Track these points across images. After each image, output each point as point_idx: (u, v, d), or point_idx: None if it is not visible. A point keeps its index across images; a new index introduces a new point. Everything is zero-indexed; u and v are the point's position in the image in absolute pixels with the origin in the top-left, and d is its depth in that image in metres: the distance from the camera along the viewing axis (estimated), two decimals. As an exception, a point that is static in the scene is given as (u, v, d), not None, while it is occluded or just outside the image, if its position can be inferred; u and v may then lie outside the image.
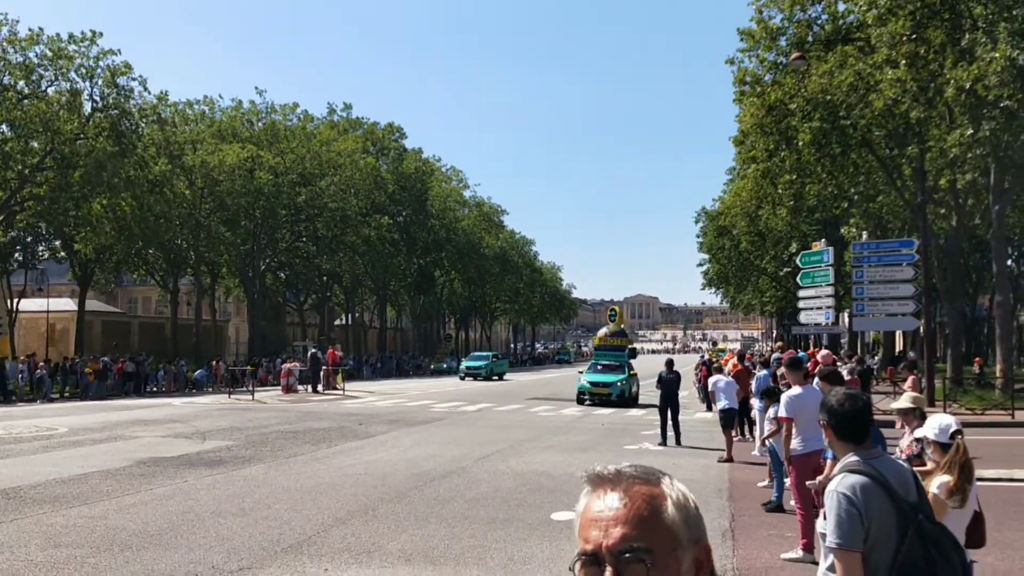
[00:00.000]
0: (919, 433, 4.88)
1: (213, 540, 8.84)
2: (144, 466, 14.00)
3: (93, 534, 9.04)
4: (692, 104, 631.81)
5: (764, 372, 16.29)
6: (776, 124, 29.96)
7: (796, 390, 8.91)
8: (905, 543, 3.14)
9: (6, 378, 33.32)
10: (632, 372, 32.49)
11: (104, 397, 34.56)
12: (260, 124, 61.58)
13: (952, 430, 4.72)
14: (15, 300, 51.91)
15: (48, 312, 51.03)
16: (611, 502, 1.30)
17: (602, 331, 36.30)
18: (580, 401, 30.51)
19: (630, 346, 34.56)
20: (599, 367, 32.56)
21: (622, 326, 36.24)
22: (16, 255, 49.31)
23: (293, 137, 60.74)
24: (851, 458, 3.41)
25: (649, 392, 30.52)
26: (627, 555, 1.25)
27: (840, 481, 3.30)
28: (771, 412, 10.68)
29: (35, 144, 39.95)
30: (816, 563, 3.50)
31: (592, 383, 30.94)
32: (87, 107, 41.83)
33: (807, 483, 6.71)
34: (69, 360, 39.38)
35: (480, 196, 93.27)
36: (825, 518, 3.32)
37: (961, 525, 4.17)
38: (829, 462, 6.27)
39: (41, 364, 36.38)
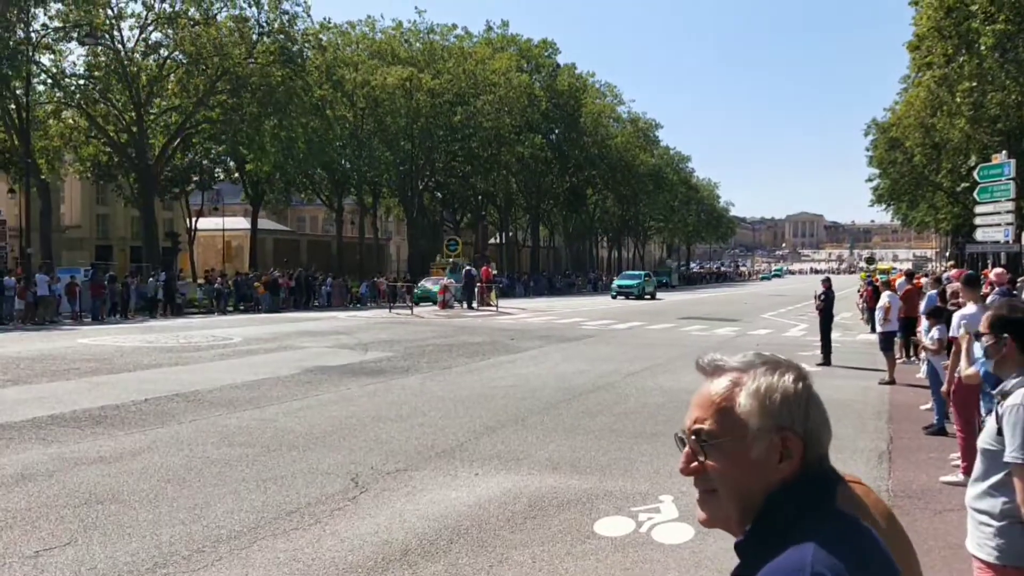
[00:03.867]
0: None
1: (372, 443, 9.32)
2: (310, 374, 14.85)
3: (264, 435, 9.72)
4: (863, 8, 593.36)
5: (932, 292, 15.46)
6: (955, 27, 27.69)
7: (970, 308, 8.36)
8: None
9: (174, 292, 35.55)
10: None
11: (275, 310, 36.66)
12: (419, 45, 62.29)
13: None
14: (194, 219, 55.53)
15: (223, 230, 54.32)
16: (702, 388, 1.45)
17: None
18: None
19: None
20: None
21: None
22: (194, 177, 52.45)
23: (450, 56, 61.18)
24: None
25: (791, 318, 29.42)
26: (694, 436, 1.41)
27: None
28: (934, 332, 10.15)
29: (207, 69, 41.98)
30: None
31: None
32: (254, 35, 43.48)
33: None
34: (242, 275, 41.85)
35: (635, 112, 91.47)
36: (1000, 433, 3.14)
37: None
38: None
39: (218, 279, 38.87)
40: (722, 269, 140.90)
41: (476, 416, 11.02)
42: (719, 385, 1.42)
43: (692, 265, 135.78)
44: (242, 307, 38.01)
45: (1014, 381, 3.22)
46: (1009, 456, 3.07)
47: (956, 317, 8.57)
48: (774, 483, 1.36)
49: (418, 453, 8.87)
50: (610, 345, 21.49)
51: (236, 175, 54.87)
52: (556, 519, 6.62)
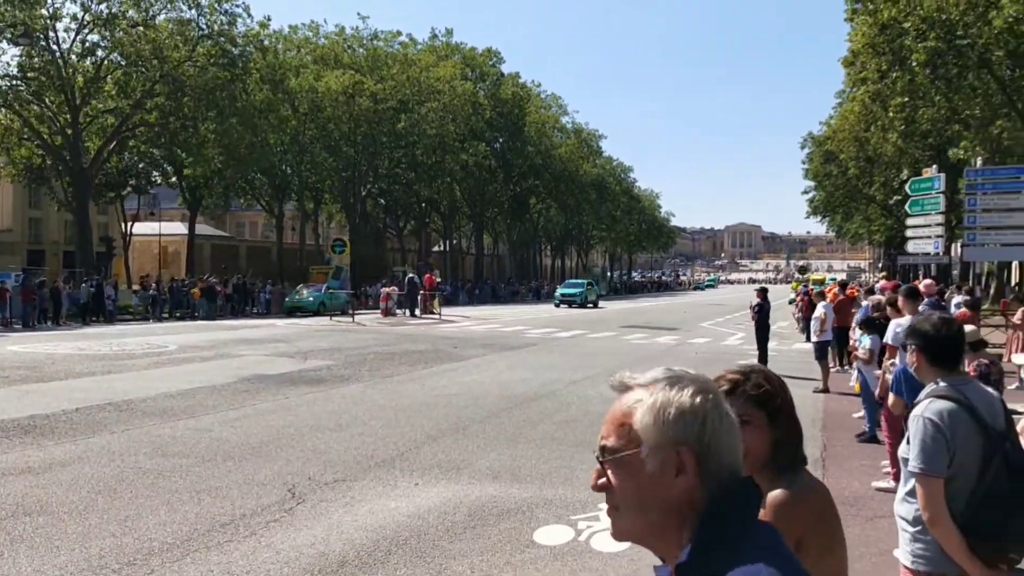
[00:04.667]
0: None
1: (310, 453, 9.21)
2: (248, 383, 14.63)
3: (198, 445, 9.54)
4: (800, 24, 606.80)
5: (867, 303, 15.83)
6: (889, 44, 28.43)
7: (907, 319, 8.57)
8: (990, 471, 3.06)
9: (104, 299, 34.65)
10: None
11: (212, 318, 36.05)
12: (362, 51, 61.97)
13: None
14: (129, 224, 54.36)
15: (160, 236, 53.25)
16: (612, 406, 1.45)
17: None
18: None
19: None
20: None
21: None
22: (130, 181, 51.34)
23: (394, 63, 61.01)
24: (939, 384, 3.31)
25: (730, 327, 30.11)
26: (601, 452, 1.41)
27: (927, 406, 3.21)
28: (866, 342, 10.40)
29: (146, 71, 41.20)
30: None
31: None
32: (194, 36, 42.78)
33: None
34: (179, 281, 41.08)
35: (579, 122, 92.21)
36: (909, 443, 3.24)
37: None
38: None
39: (153, 285, 38.10)
40: (663, 278, 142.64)
41: (417, 425, 10.96)
42: (625, 402, 1.42)
43: (634, 274, 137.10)
44: (178, 314, 37.31)
45: (924, 392, 3.33)
46: (910, 466, 3.18)
47: (892, 325, 8.80)
48: (674, 498, 1.36)
49: (357, 463, 8.79)
50: (553, 353, 21.57)
51: (173, 179, 53.87)
52: (496, 528, 6.62)
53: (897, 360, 8.29)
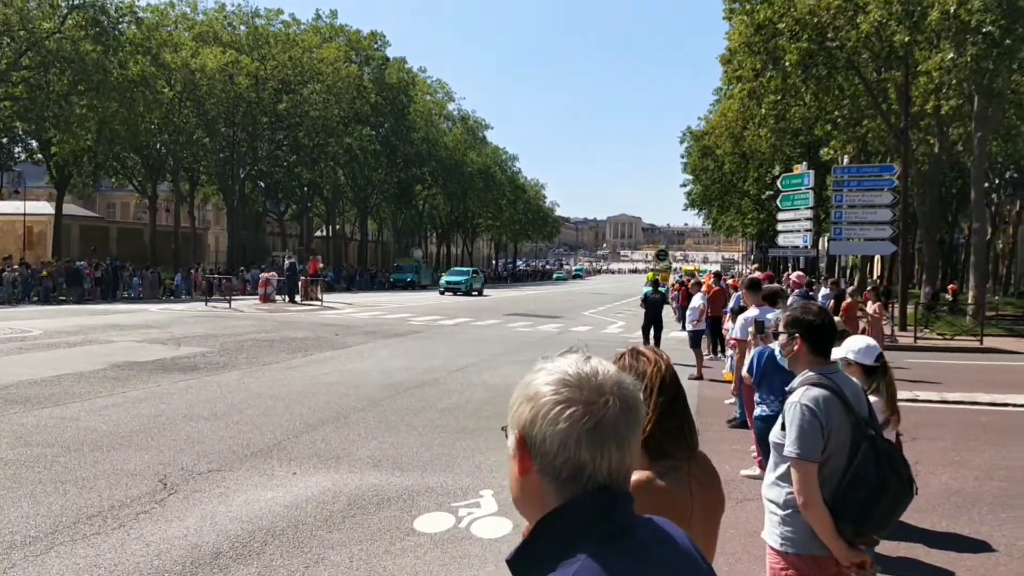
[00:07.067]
0: (837, 354, 4.92)
1: (184, 443, 8.93)
2: (118, 370, 14.04)
3: (64, 434, 9.11)
4: (682, 21, 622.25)
5: (739, 293, 16.44)
6: (764, 43, 29.54)
7: (752, 311, 8.92)
8: (859, 456, 3.20)
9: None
10: None
11: (80, 302, 34.40)
12: (243, 28, 60.10)
13: (877, 353, 4.76)
14: (-10, 202, 51.20)
15: (24, 215, 50.39)
16: None
17: None
18: None
19: None
20: None
21: None
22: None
23: (276, 43, 59.41)
24: (810, 372, 3.43)
25: (610, 316, 30.94)
26: None
27: (803, 393, 3.33)
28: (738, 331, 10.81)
29: (11, 42, 38.83)
30: None
31: None
32: (63, 6, 40.57)
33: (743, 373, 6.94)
34: (43, 264, 38.96)
35: (465, 109, 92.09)
36: (784, 428, 3.35)
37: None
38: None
39: (16, 267, 36.03)
40: (547, 267, 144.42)
41: (296, 414, 10.77)
42: None
43: (519, 263, 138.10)
44: (42, 297, 35.29)
45: (799, 379, 3.46)
46: (786, 451, 3.31)
47: (740, 320, 9.13)
48: (527, 487, 1.30)
49: (233, 452, 8.58)
50: (436, 341, 21.52)
51: (39, 156, 51.02)
52: (376, 517, 6.58)
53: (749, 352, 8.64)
